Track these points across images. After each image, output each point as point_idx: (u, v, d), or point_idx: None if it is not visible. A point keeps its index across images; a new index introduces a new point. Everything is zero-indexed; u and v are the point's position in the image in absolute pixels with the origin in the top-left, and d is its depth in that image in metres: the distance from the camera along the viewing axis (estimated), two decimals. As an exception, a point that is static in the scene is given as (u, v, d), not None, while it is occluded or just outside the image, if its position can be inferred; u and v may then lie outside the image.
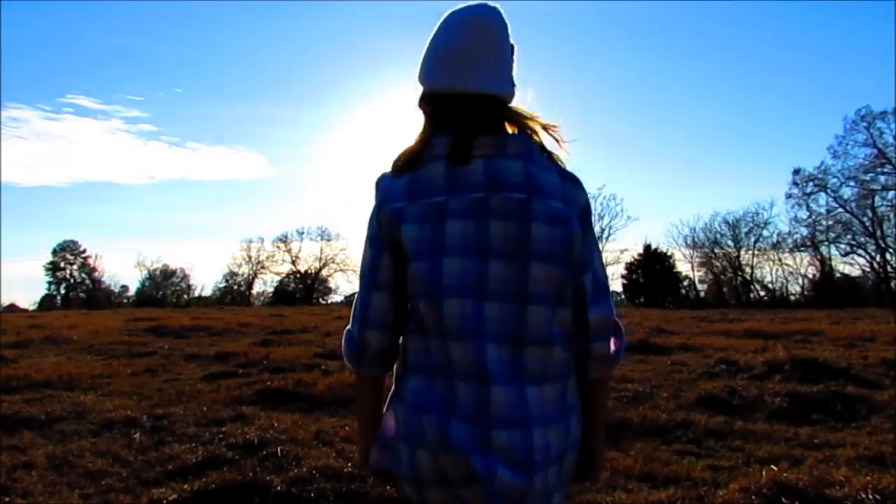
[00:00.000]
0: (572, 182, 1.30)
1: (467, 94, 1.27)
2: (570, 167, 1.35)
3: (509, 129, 1.31)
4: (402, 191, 1.26)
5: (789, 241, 38.11)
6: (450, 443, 1.18)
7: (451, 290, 1.21)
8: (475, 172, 1.24)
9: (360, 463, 1.48)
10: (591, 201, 1.35)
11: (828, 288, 35.43)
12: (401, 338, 1.33)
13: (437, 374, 1.23)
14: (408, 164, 1.29)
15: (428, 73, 1.31)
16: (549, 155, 1.32)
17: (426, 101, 1.33)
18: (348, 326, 1.36)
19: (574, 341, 1.29)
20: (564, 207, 1.26)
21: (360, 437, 1.45)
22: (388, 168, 1.34)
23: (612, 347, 1.33)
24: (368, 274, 1.31)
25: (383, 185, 1.31)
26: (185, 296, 51.27)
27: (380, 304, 1.30)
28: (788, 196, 37.50)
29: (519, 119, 1.32)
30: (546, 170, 1.28)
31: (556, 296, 1.24)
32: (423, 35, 1.33)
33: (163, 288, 51.63)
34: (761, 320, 15.66)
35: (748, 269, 39.76)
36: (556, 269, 1.23)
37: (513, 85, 1.31)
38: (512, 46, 1.32)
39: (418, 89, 1.34)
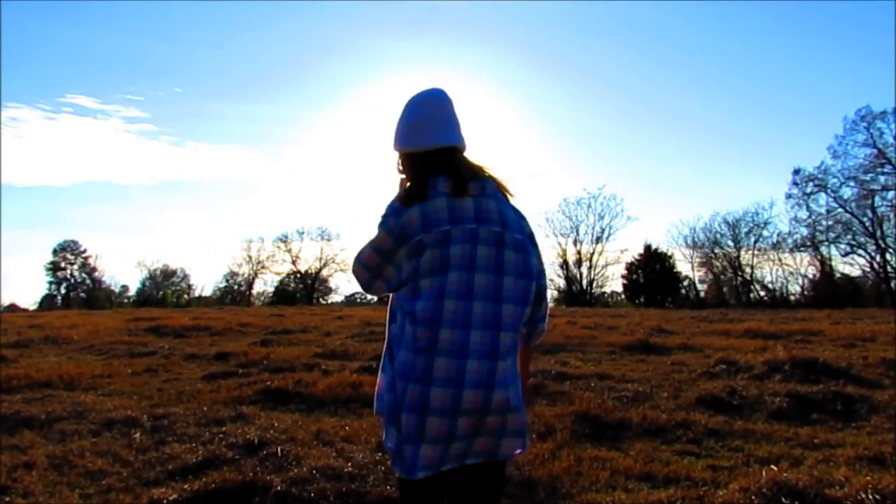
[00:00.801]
0: (522, 217, 1.85)
1: (434, 149, 1.79)
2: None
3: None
4: (418, 223, 1.71)
5: (789, 241, 38.17)
6: (429, 405, 1.65)
7: (451, 294, 1.68)
8: (468, 208, 1.73)
9: None
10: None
11: (828, 288, 35.45)
12: (394, 321, 1.80)
13: (420, 353, 1.67)
14: (417, 195, 1.74)
15: (402, 139, 1.84)
16: (505, 195, 1.84)
17: (404, 160, 1.85)
18: (362, 260, 1.83)
19: (527, 323, 1.85)
20: (523, 237, 1.80)
21: None
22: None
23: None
24: (372, 266, 1.81)
25: (402, 215, 1.73)
26: (186, 296, 51.32)
27: (376, 276, 1.84)
28: (788, 196, 37.58)
29: (474, 166, 1.82)
30: (507, 207, 1.81)
31: (522, 298, 1.76)
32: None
33: (163, 288, 51.64)
34: (761, 320, 15.65)
35: (748, 269, 39.80)
36: (521, 282, 1.76)
37: (463, 139, 1.84)
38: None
39: (393, 155, 1.86)
